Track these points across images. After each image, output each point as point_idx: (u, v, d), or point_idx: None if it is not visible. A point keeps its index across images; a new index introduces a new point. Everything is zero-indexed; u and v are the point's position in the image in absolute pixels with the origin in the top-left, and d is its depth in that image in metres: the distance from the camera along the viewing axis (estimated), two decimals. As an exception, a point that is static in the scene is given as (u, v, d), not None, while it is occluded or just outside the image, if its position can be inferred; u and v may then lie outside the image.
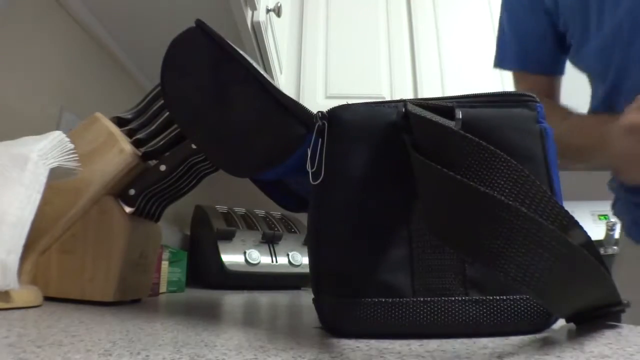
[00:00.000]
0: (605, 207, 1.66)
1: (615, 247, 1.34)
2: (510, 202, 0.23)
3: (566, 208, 0.26)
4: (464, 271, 0.30)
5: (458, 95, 0.33)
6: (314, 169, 0.32)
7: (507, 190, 0.25)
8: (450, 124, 0.29)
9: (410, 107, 0.30)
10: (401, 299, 0.29)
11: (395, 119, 0.31)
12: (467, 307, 0.29)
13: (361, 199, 0.31)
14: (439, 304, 0.29)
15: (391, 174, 0.31)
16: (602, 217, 1.68)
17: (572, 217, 0.26)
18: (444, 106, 0.31)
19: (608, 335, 0.30)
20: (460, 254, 0.29)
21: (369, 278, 0.30)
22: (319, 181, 0.32)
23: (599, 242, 1.37)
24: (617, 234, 1.33)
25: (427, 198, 0.28)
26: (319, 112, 0.33)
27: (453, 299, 0.29)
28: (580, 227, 0.26)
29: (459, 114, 0.30)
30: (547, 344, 0.27)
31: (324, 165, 0.32)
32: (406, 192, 0.30)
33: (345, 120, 0.33)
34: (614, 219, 1.37)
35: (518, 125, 0.31)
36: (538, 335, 0.29)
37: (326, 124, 0.33)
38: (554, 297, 0.25)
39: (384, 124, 0.32)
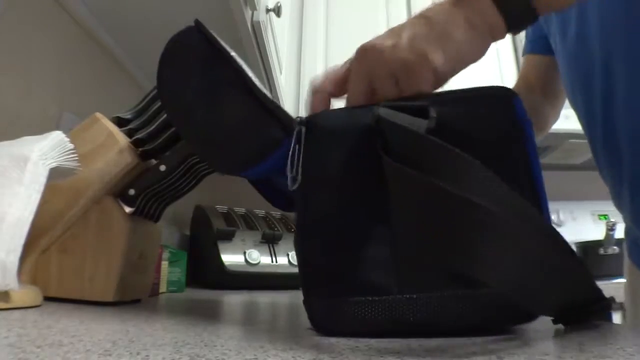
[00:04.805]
0: (605, 207, 1.67)
1: (615, 247, 1.33)
2: (479, 201, 0.24)
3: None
4: None
5: (434, 92, 0.34)
6: (293, 173, 0.32)
7: (475, 192, 0.26)
8: (424, 123, 0.29)
9: (382, 111, 0.30)
10: (387, 297, 0.29)
11: (371, 123, 0.31)
12: (452, 303, 0.29)
13: (341, 202, 0.32)
14: (424, 300, 0.29)
15: (370, 175, 0.31)
16: (602, 217, 1.68)
17: (542, 216, 0.27)
18: (418, 105, 0.31)
19: (608, 335, 0.30)
20: (431, 257, 0.29)
21: (354, 277, 0.30)
22: (296, 186, 0.32)
23: (599, 242, 1.37)
24: (617, 233, 1.33)
25: (397, 200, 0.29)
26: (297, 117, 0.34)
27: (438, 294, 0.29)
28: (551, 226, 0.27)
29: (433, 113, 0.30)
30: (547, 344, 0.27)
31: (303, 169, 0.32)
32: (386, 192, 0.30)
33: (321, 126, 0.33)
34: (614, 219, 1.37)
35: (494, 120, 0.31)
36: (538, 335, 0.29)
37: (304, 130, 0.33)
38: (528, 294, 0.25)
39: (360, 128, 0.32)
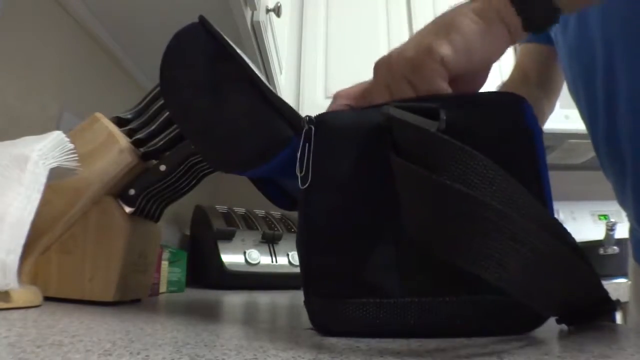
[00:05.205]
0: (605, 207, 1.67)
1: (615, 247, 1.33)
2: (485, 199, 0.24)
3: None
4: (453, 271, 0.29)
5: (445, 95, 0.33)
6: (303, 173, 0.32)
7: (483, 190, 0.26)
8: (434, 124, 0.29)
9: (393, 110, 0.30)
10: (389, 300, 0.29)
11: (380, 122, 0.31)
12: (455, 308, 0.29)
13: (348, 202, 0.32)
14: (426, 304, 0.29)
15: (378, 176, 0.31)
16: (602, 217, 1.68)
17: (550, 215, 0.27)
18: (428, 107, 0.31)
19: (608, 336, 0.30)
20: (439, 255, 0.28)
21: (357, 279, 0.30)
22: (306, 186, 0.32)
23: (599, 242, 1.37)
24: (617, 234, 1.33)
25: (405, 198, 0.28)
26: (306, 116, 0.34)
27: (441, 299, 0.29)
28: (561, 225, 0.27)
29: (443, 115, 0.30)
30: (547, 344, 0.27)
31: (311, 169, 0.32)
32: (393, 193, 0.30)
33: (331, 125, 0.33)
34: (614, 219, 1.37)
35: (504, 125, 0.31)
36: (538, 335, 0.29)
37: (313, 129, 0.33)
38: (534, 293, 0.25)
39: (370, 128, 0.32)
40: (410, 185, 0.28)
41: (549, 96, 0.72)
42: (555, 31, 0.63)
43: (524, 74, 0.72)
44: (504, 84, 0.74)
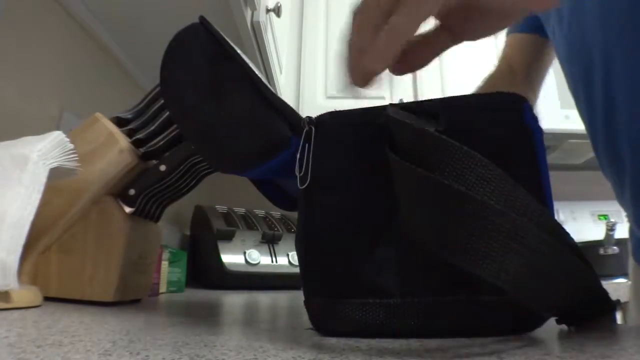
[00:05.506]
0: (605, 207, 1.67)
1: (615, 248, 1.33)
2: (484, 199, 0.24)
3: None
4: (453, 271, 0.29)
5: (445, 97, 0.33)
6: (302, 173, 0.32)
7: (481, 189, 0.26)
8: (433, 124, 0.29)
9: (391, 110, 0.30)
10: (389, 300, 0.29)
11: (380, 124, 0.31)
12: (454, 308, 0.29)
13: (348, 202, 0.32)
14: (426, 305, 0.29)
15: (377, 177, 0.31)
16: (602, 217, 1.68)
17: (548, 214, 0.27)
18: (428, 109, 0.31)
19: (608, 336, 0.30)
20: (438, 254, 0.28)
21: (356, 279, 0.30)
22: (305, 185, 0.32)
23: (599, 242, 1.37)
24: (617, 234, 1.33)
25: (403, 197, 0.29)
26: (307, 117, 0.34)
27: (440, 299, 0.29)
28: (559, 225, 0.27)
29: (443, 116, 0.30)
30: (547, 344, 0.27)
31: (311, 169, 0.32)
32: (393, 193, 0.30)
33: (331, 126, 0.33)
34: (614, 219, 1.37)
35: (504, 125, 0.31)
36: (538, 335, 0.29)
37: (313, 129, 0.33)
38: (533, 293, 0.25)
39: (369, 130, 0.32)
40: (409, 184, 0.28)
41: (535, 89, 0.72)
42: (552, 24, 0.62)
43: (511, 68, 0.71)
44: (490, 76, 0.72)
